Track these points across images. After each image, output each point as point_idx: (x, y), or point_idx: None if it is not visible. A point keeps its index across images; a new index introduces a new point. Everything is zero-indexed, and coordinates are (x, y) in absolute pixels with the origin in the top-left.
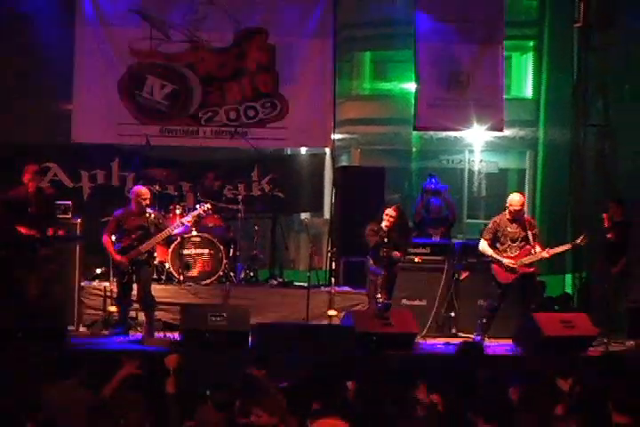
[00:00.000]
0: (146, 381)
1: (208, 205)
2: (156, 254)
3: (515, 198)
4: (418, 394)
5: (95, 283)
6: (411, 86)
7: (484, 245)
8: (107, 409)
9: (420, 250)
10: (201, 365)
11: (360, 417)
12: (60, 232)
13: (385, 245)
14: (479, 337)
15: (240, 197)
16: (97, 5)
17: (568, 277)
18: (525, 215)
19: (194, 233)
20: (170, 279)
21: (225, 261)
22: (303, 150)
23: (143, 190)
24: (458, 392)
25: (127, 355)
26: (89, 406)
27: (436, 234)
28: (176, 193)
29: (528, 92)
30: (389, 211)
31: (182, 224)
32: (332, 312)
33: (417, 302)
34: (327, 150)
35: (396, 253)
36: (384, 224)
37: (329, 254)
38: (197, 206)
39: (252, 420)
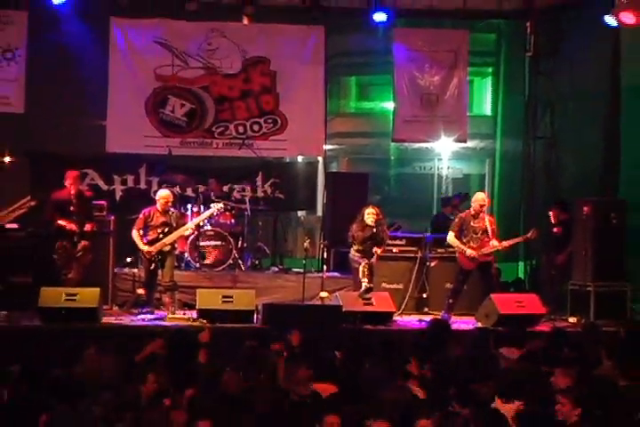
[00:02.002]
0: (170, 352)
1: (221, 205)
2: (177, 246)
3: (479, 197)
4: (410, 368)
5: (126, 269)
6: (389, 105)
7: (451, 237)
8: (134, 375)
9: (397, 242)
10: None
11: (346, 381)
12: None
13: (370, 239)
14: (447, 315)
15: (247, 197)
16: (127, 38)
17: (521, 265)
18: (486, 214)
19: (208, 228)
20: (188, 266)
21: (234, 251)
22: (300, 159)
23: (167, 194)
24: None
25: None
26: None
27: None
28: (193, 195)
29: (487, 109)
30: (371, 209)
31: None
32: (323, 294)
33: (394, 286)
34: (320, 159)
35: (376, 251)
36: (371, 221)
37: (321, 246)
38: (212, 206)
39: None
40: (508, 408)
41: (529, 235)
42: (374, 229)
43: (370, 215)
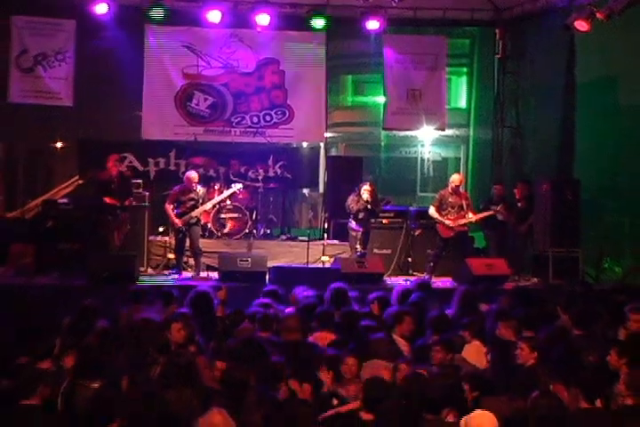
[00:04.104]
0: (193, 307)
1: (240, 186)
2: (201, 217)
3: (455, 177)
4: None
5: (159, 237)
6: (380, 99)
7: (432, 210)
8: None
9: (387, 214)
10: (232, 295)
11: (343, 331)
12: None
13: (363, 211)
14: (428, 276)
15: (260, 177)
16: (159, 42)
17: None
18: (462, 190)
19: (228, 202)
20: (211, 235)
21: (249, 222)
22: (304, 144)
23: (194, 175)
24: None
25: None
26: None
27: None
28: (214, 175)
29: (462, 103)
30: (367, 187)
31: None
32: (324, 258)
33: (384, 251)
34: (321, 144)
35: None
36: (366, 196)
37: (322, 218)
38: (233, 186)
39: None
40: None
41: (498, 208)
42: (367, 203)
43: (365, 191)
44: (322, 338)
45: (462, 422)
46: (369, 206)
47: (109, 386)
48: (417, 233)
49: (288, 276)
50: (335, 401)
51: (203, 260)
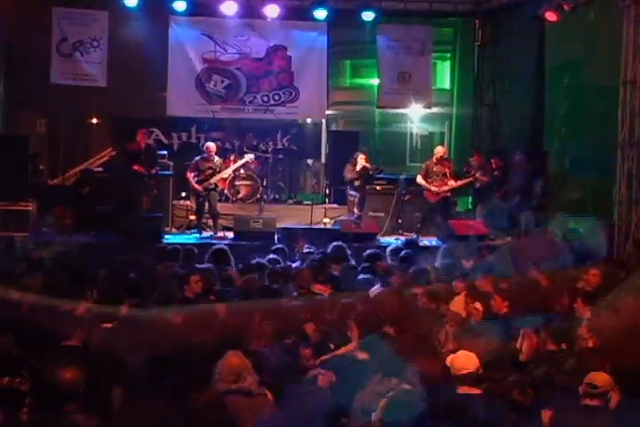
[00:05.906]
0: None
1: (252, 156)
2: (219, 184)
3: (439, 149)
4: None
5: (181, 201)
6: (375, 81)
7: (419, 178)
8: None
9: (380, 182)
10: (246, 251)
11: (339, 284)
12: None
13: (359, 178)
14: (416, 235)
15: (270, 149)
16: (182, 31)
17: (470, 199)
18: (445, 161)
19: (242, 171)
20: (227, 199)
21: (261, 188)
22: (308, 120)
23: (212, 145)
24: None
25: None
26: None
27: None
28: (230, 147)
29: (446, 84)
30: (362, 155)
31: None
32: (326, 220)
33: (378, 214)
34: (323, 120)
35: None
36: (361, 164)
37: (324, 184)
38: (245, 156)
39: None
40: None
41: (477, 175)
42: (362, 171)
43: (361, 160)
44: (320, 289)
45: (448, 360)
46: (362, 171)
47: (120, 326)
48: (407, 198)
49: (294, 235)
50: (332, 345)
51: (220, 221)
